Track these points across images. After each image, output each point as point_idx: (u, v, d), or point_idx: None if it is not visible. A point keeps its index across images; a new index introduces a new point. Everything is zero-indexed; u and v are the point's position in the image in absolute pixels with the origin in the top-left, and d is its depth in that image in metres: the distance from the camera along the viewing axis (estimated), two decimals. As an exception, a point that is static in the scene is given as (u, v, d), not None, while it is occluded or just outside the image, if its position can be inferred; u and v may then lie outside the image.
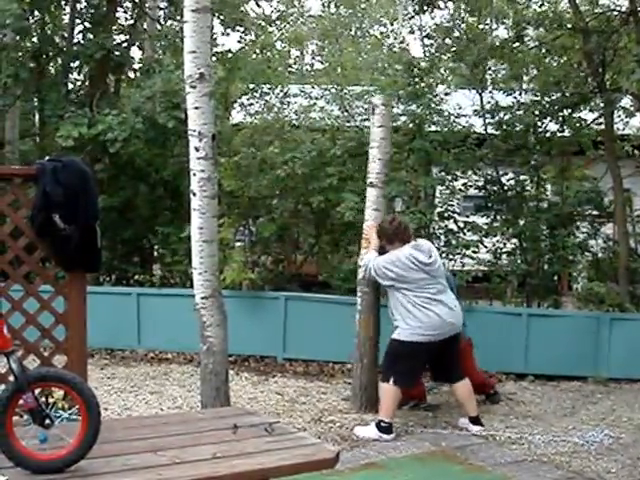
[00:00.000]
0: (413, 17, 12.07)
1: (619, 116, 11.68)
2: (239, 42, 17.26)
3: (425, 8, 11.53)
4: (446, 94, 11.17)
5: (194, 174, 6.56)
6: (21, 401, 3.42)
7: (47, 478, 3.30)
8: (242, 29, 16.98)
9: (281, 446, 3.85)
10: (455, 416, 7.46)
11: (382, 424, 6.78)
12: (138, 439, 3.89)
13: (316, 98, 12.17)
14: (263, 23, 19.22)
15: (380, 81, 12.40)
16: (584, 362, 9.26)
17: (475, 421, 7.07)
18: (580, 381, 9.18)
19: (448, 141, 10.50)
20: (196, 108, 6.57)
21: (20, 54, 12.26)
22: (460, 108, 11.06)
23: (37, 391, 3.52)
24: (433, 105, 10.63)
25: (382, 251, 7.27)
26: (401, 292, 6.87)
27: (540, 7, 11.66)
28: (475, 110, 11.26)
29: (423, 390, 7.88)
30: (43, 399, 3.64)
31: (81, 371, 5.34)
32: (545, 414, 7.84)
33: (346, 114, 11.55)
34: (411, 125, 10.48)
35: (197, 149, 6.55)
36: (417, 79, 10.66)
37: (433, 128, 10.67)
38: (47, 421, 3.45)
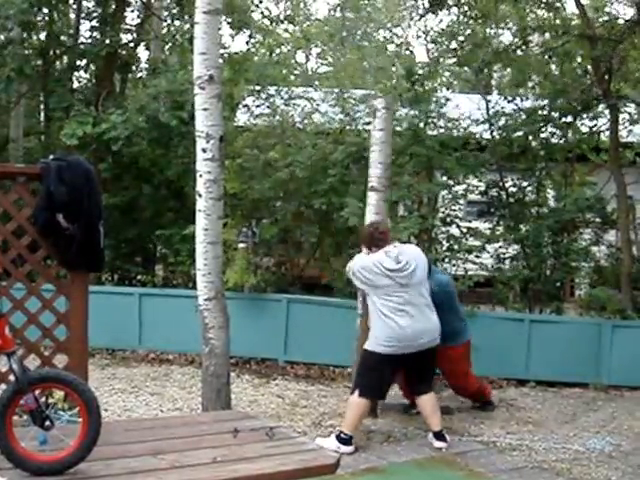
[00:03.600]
0: (421, 18, 12.00)
1: (623, 124, 11.66)
2: (246, 43, 17.29)
3: (434, 8, 11.49)
4: (447, 99, 11.14)
5: (200, 175, 6.56)
6: (21, 402, 3.41)
7: (47, 480, 3.30)
8: (248, 31, 17.01)
9: (282, 451, 3.84)
10: (455, 422, 7.44)
11: (342, 435, 6.51)
12: (138, 442, 3.89)
13: (318, 103, 12.16)
14: (269, 24, 19.19)
15: (382, 85, 12.37)
16: (585, 369, 9.23)
17: (438, 436, 6.72)
18: (581, 388, 9.16)
19: (448, 146, 10.48)
20: (204, 109, 6.57)
21: (26, 50, 12.28)
22: (462, 113, 11.05)
23: (37, 392, 3.51)
24: (433, 109, 10.63)
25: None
26: (371, 298, 6.71)
27: (548, 13, 11.61)
28: (478, 118, 11.23)
29: None
30: (43, 399, 3.61)
31: (82, 371, 5.33)
32: (546, 420, 7.82)
33: (348, 118, 11.53)
34: (411, 130, 10.48)
35: (204, 150, 6.55)
36: (418, 84, 10.65)
37: (435, 132, 10.65)
38: (47, 422, 3.44)
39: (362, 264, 6.78)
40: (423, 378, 6.84)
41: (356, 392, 6.64)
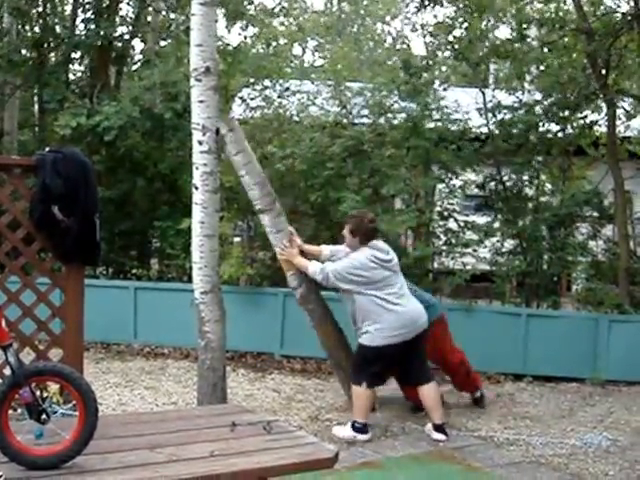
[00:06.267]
0: (416, 12, 11.94)
1: (620, 118, 11.64)
2: (239, 35, 17.26)
3: (427, 3, 11.45)
4: (444, 90, 11.13)
5: (197, 168, 6.53)
6: (17, 395, 3.37)
7: (42, 474, 3.25)
8: (244, 23, 16.96)
9: (279, 445, 3.80)
10: (452, 417, 7.42)
11: (356, 424, 6.70)
12: (135, 436, 3.85)
13: (314, 96, 12.11)
14: (265, 17, 19.14)
15: (379, 78, 12.33)
16: (582, 363, 9.22)
17: (439, 429, 6.77)
18: (578, 382, 9.15)
19: (445, 138, 10.46)
20: (201, 102, 6.54)
21: (21, 42, 12.25)
22: (459, 106, 11.02)
23: (33, 385, 3.47)
24: (431, 101, 10.61)
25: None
26: (367, 296, 6.66)
27: (545, 5, 11.57)
28: (478, 109, 11.21)
29: None
30: (38, 393, 3.57)
31: (77, 365, 5.29)
32: (543, 415, 7.80)
33: (345, 111, 11.49)
34: (409, 122, 10.45)
35: (200, 143, 6.53)
36: (415, 76, 10.62)
37: (431, 125, 10.63)
38: (43, 416, 3.40)
39: (350, 265, 6.77)
40: (421, 364, 6.91)
41: (363, 384, 6.72)
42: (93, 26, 13.12)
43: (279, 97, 11.94)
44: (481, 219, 10.92)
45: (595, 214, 10.95)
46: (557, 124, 11.14)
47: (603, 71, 10.68)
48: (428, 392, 6.82)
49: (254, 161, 7.31)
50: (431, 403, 6.82)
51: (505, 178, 11.03)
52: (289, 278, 7.52)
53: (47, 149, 5.55)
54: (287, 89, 11.96)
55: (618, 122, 11.30)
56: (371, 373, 6.74)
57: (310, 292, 7.49)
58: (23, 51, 12.51)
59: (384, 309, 6.63)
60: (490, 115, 11.14)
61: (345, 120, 11.30)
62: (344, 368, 7.57)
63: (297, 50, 32.34)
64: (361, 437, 6.66)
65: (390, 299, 6.65)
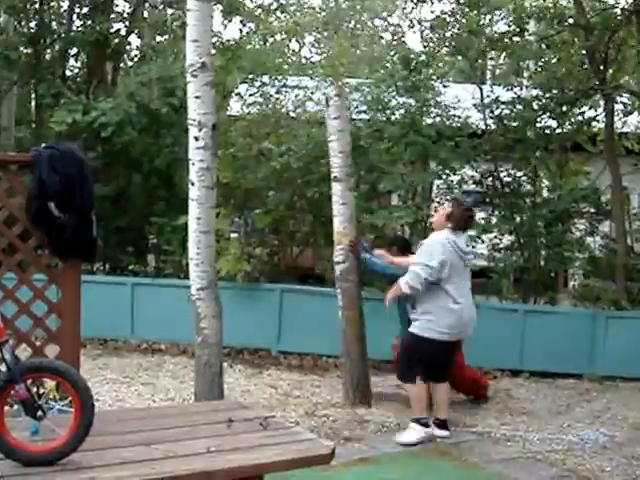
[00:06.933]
0: (414, 8, 11.95)
1: (617, 114, 11.64)
2: (239, 31, 17.24)
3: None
4: (444, 86, 11.13)
5: (193, 164, 6.52)
6: (13, 392, 3.37)
7: (38, 470, 3.24)
8: (241, 18, 16.94)
9: (276, 441, 3.79)
10: (450, 413, 7.39)
11: (422, 421, 6.59)
12: (131, 432, 3.84)
13: (312, 92, 12.10)
14: (261, 13, 19.13)
15: (377, 74, 12.32)
16: (579, 359, 9.23)
17: (442, 425, 6.76)
18: (575, 378, 9.15)
19: (444, 135, 10.45)
20: (197, 97, 6.53)
21: (18, 38, 12.23)
22: (459, 101, 11.02)
23: (29, 382, 3.46)
24: (430, 97, 10.60)
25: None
26: (440, 285, 6.49)
27: (544, 1, 11.56)
28: (475, 105, 11.20)
29: None
30: (34, 389, 3.56)
31: (74, 361, 5.28)
32: (540, 411, 7.81)
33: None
34: (408, 118, 10.44)
35: (197, 139, 6.51)
36: (414, 72, 10.61)
37: (429, 121, 10.62)
38: (39, 413, 3.39)
39: (427, 252, 6.58)
40: (450, 365, 6.92)
41: (417, 379, 6.59)
42: (89, 22, 13.10)
43: (277, 93, 11.93)
44: (478, 215, 10.91)
45: (592, 210, 10.95)
46: (555, 120, 11.13)
47: (601, 66, 10.68)
48: (441, 389, 6.83)
49: (347, 130, 7.77)
50: (442, 398, 6.83)
51: (503, 174, 11.03)
52: (336, 252, 7.69)
53: (43, 145, 5.53)
54: (284, 85, 11.94)
55: (616, 118, 11.30)
56: (423, 366, 6.63)
57: (351, 272, 7.65)
58: (19, 47, 12.48)
59: (445, 304, 6.49)
60: (488, 111, 11.13)
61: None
62: (352, 360, 7.63)
63: (294, 46, 32.33)
64: (441, 433, 6.65)
65: (455, 296, 6.51)
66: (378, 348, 8.16)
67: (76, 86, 13.11)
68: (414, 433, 6.54)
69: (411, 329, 6.66)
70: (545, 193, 11.54)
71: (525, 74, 12.73)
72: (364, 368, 7.72)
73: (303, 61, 25.70)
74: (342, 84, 8.16)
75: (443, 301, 6.50)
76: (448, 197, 9.44)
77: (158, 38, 15.81)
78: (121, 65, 14.66)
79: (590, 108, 11.30)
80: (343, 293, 7.66)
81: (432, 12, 12.67)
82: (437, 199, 10.65)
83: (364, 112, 11.12)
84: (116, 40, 13.63)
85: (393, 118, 10.73)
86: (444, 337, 6.53)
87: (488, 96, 11.20)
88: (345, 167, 7.67)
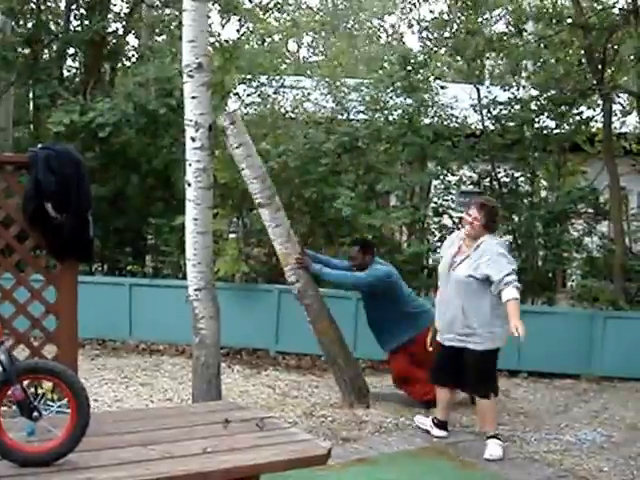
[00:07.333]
0: (412, 9, 11.98)
1: (616, 114, 11.65)
2: (237, 32, 17.24)
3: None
4: (442, 87, 11.13)
5: (190, 164, 6.52)
6: (9, 393, 3.37)
7: (34, 471, 3.24)
8: (238, 18, 16.94)
9: (273, 442, 3.80)
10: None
11: (498, 436, 6.39)
12: (128, 432, 3.84)
13: (309, 92, 12.11)
14: (259, 12, 19.12)
15: (375, 74, 12.33)
16: (577, 360, 9.22)
17: (441, 425, 6.71)
18: (573, 379, 9.15)
19: (442, 135, 10.45)
20: (193, 98, 6.53)
21: (16, 38, 12.23)
22: (456, 101, 11.03)
23: (26, 383, 3.46)
24: (428, 97, 10.60)
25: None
26: (494, 295, 6.17)
27: (541, 2, 11.57)
28: (473, 105, 11.22)
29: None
30: (32, 390, 3.56)
31: (71, 362, 5.28)
32: (537, 411, 7.81)
33: (339, 107, 11.49)
34: (405, 119, 10.45)
35: (193, 139, 6.51)
36: (412, 72, 10.62)
37: (427, 121, 10.63)
38: (35, 413, 3.38)
39: (504, 252, 6.31)
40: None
41: (492, 395, 6.39)
42: (86, 22, 13.10)
43: (275, 93, 11.94)
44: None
45: (590, 210, 10.95)
46: (553, 120, 11.14)
47: (600, 66, 10.68)
48: (450, 393, 6.74)
49: (254, 155, 7.39)
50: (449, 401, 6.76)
51: (500, 174, 11.03)
52: (287, 273, 7.53)
53: (40, 146, 5.53)
54: (282, 85, 11.94)
55: (614, 118, 11.31)
56: (495, 381, 6.49)
57: (308, 287, 7.52)
58: (17, 48, 12.48)
59: (498, 314, 6.22)
60: (485, 111, 11.14)
61: (340, 116, 11.30)
62: (339, 365, 7.58)
63: (292, 46, 32.36)
64: (439, 433, 6.65)
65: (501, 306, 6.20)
66: (372, 348, 8.15)
67: (73, 86, 13.10)
68: (495, 449, 6.24)
69: (492, 345, 6.34)
70: (543, 193, 11.55)
71: (523, 74, 12.73)
72: (355, 369, 7.72)
73: (301, 61, 25.74)
74: (231, 111, 7.59)
75: (498, 312, 6.23)
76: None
77: (155, 38, 15.81)
78: (118, 65, 14.63)
79: (588, 108, 11.30)
80: (307, 310, 7.55)
81: (431, 12, 12.68)
82: (434, 199, 10.64)
83: (362, 112, 11.13)
84: (113, 40, 13.62)
85: (391, 118, 10.74)
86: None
87: (486, 96, 11.21)
88: (265, 190, 7.33)
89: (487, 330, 6.26)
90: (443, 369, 6.60)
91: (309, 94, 11.81)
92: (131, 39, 16.06)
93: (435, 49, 12.73)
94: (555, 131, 11.15)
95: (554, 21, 10.93)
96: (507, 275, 6.08)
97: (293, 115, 11.59)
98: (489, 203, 6.60)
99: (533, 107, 11.04)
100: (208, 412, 4.43)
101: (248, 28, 18.33)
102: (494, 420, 6.46)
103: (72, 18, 13.53)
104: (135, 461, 3.40)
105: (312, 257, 7.75)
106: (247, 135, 7.35)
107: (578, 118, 11.25)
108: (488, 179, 11.04)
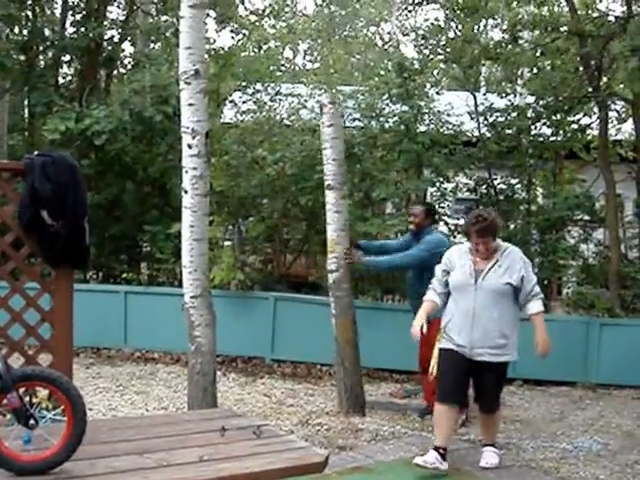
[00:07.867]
0: (408, 15, 12.02)
1: (611, 121, 11.67)
2: (232, 38, 17.24)
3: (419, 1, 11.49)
4: (438, 94, 11.14)
5: (186, 171, 6.50)
6: (5, 401, 3.35)
7: (30, 480, 3.23)
8: (234, 26, 16.96)
9: (269, 449, 3.78)
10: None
11: (495, 444, 6.24)
12: (124, 441, 3.82)
13: (305, 99, 12.11)
14: (255, 19, 19.16)
15: (371, 81, 12.34)
16: (573, 367, 9.22)
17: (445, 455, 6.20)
18: (569, 386, 9.15)
19: (438, 142, 10.46)
20: (190, 105, 6.50)
21: (10, 44, 12.22)
22: (452, 108, 11.04)
23: (22, 390, 3.44)
24: (424, 105, 10.61)
25: None
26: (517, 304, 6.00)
27: (538, 9, 11.58)
28: (469, 112, 11.23)
29: None
30: (27, 399, 3.54)
31: (66, 370, 5.26)
32: (534, 419, 7.81)
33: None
34: (401, 126, 10.45)
35: (190, 146, 6.49)
36: (408, 80, 10.62)
37: (423, 129, 10.63)
38: (31, 421, 3.36)
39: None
40: None
41: (500, 407, 6.32)
42: (82, 29, 13.10)
43: (271, 100, 11.94)
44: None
45: (586, 218, 10.96)
46: (549, 127, 11.15)
47: (595, 73, 10.70)
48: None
49: (341, 138, 7.75)
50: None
51: (497, 182, 11.04)
52: (329, 260, 7.64)
53: (36, 153, 5.51)
54: (278, 92, 11.95)
55: (610, 126, 11.33)
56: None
57: (344, 280, 7.60)
58: (12, 54, 12.47)
59: (516, 324, 6.04)
60: (482, 118, 11.15)
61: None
62: (345, 367, 7.59)
63: (288, 53, 32.37)
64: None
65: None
66: (372, 357, 8.15)
67: (69, 93, 13.10)
68: (494, 457, 6.10)
69: (516, 355, 6.18)
70: (539, 200, 11.55)
71: (519, 81, 12.75)
72: (358, 376, 7.69)
73: (297, 68, 25.76)
74: (336, 91, 8.15)
75: (517, 323, 6.07)
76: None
77: (151, 45, 15.81)
78: (114, 72, 14.65)
79: (584, 116, 11.32)
80: (336, 301, 7.63)
81: (426, 20, 12.72)
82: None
83: (358, 120, 11.13)
84: (109, 47, 13.63)
85: (387, 126, 10.75)
86: None
87: (482, 103, 11.23)
88: (339, 175, 7.65)
89: (514, 339, 6.05)
90: (460, 385, 6.03)
91: (306, 101, 11.80)
92: (127, 46, 16.10)
93: (431, 56, 12.71)
94: (551, 138, 11.18)
95: (550, 29, 10.94)
96: (535, 285, 5.98)
97: (289, 122, 11.58)
98: (492, 223, 6.10)
99: (529, 114, 11.05)
100: (204, 420, 4.41)
101: (244, 35, 18.32)
102: (497, 431, 6.38)
103: (68, 25, 13.54)
104: (131, 470, 3.39)
105: (364, 247, 7.80)
106: (341, 119, 8.00)
107: (574, 125, 11.26)
108: (484, 186, 11.03)
